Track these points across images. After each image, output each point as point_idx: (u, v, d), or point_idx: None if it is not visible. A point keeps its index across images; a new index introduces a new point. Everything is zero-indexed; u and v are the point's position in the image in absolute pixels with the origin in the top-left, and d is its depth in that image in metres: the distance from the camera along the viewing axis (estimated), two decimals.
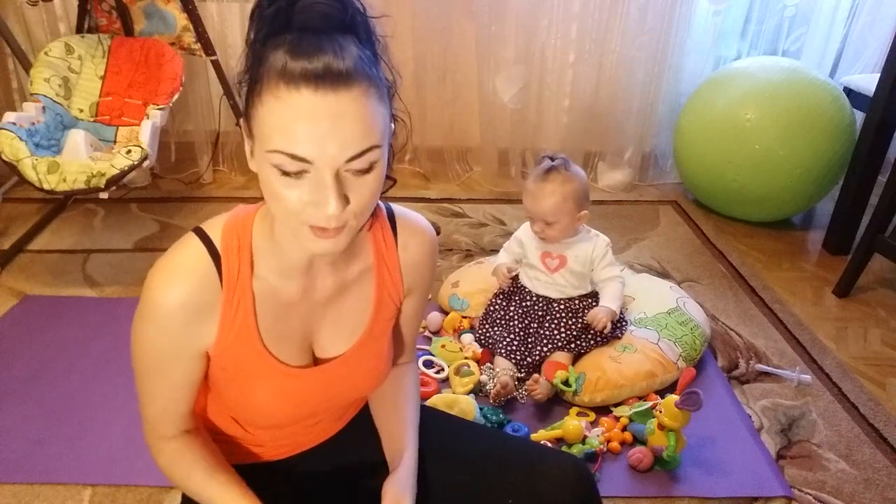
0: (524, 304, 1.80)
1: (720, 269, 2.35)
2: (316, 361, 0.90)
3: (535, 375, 1.65)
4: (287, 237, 0.80)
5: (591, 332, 1.72)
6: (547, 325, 1.75)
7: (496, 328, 1.80)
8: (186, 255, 0.80)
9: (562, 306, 1.77)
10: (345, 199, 0.70)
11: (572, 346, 1.71)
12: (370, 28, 0.74)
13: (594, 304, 1.76)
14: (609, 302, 1.73)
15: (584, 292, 1.79)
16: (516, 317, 1.79)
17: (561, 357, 1.70)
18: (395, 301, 0.94)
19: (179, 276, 0.78)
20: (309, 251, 0.77)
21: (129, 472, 1.43)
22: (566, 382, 1.63)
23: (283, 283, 0.84)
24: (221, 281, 0.80)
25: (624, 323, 1.78)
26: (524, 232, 1.83)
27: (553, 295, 1.79)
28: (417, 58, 2.72)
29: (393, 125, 0.77)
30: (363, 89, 0.67)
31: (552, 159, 1.72)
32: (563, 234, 1.74)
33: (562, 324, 1.74)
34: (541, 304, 1.79)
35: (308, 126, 0.66)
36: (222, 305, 0.80)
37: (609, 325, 1.70)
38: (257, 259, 0.82)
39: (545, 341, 1.72)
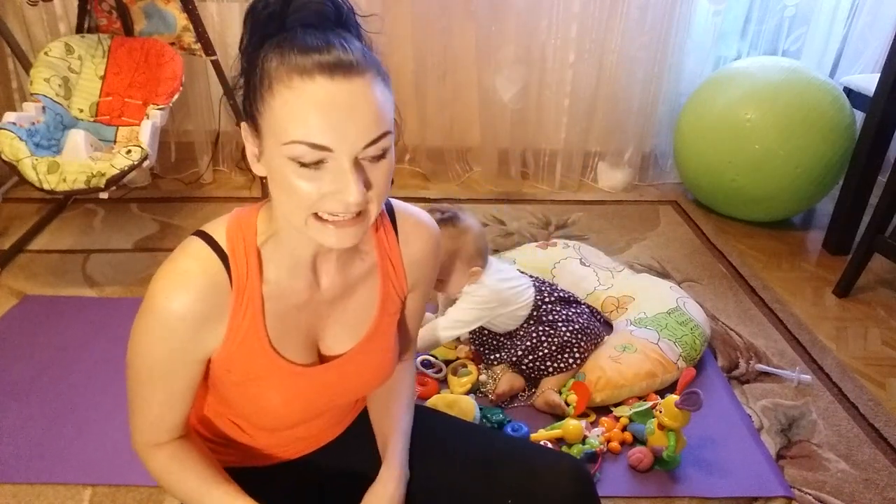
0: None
1: (720, 269, 2.35)
2: (322, 359, 0.90)
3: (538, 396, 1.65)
4: (294, 235, 0.79)
5: (539, 355, 1.67)
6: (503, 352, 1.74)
7: (477, 346, 1.80)
8: (194, 260, 0.77)
9: (502, 337, 1.75)
10: (365, 186, 0.71)
11: (534, 361, 1.68)
12: (359, 26, 0.76)
13: (532, 323, 1.71)
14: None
15: (513, 326, 1.72)
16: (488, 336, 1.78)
17: (549, 384, 1.67)
18: (399, 296, 0.94)
19: (188, 281, 0.76)
20: (324, 245, 0.76)
21: (129, 472, 1.43)
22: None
23: (291, 284, 0.83)
24: (231, 284, 0.78)
25: (575, 352, 1.68)
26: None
27: (494, 331, 1.75)
28: (417, 58, 2.72)
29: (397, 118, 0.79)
30: (373, 76, 0.69)
31: (442, 212, 1.62)
32: (455, 290, 1.67)
33: (514, 356, 1.70)
34: (489, 334, 1.77)
35: (326, 113, 0.67)
36: (231, 309, 0.79)
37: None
38: (265, 260, 0.81)
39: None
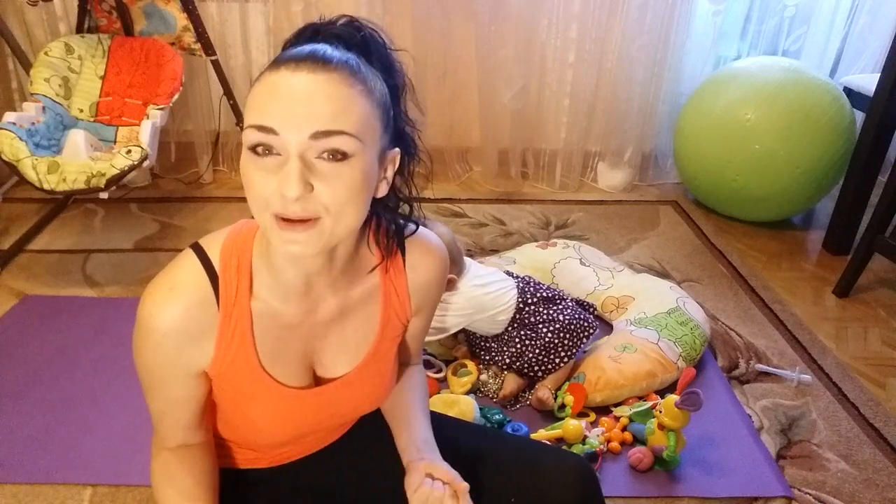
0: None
1: (720, 269, 2.35)
2: (317, 381, 0.88)
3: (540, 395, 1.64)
4: (279, 256, 0.77)
5: (526, 360, 1.66)
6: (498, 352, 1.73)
7: (470, 346, 1.80)
8: (183, 276, 0.77)
9: (490, 340, 1.74)
10: (307, 185, 0.67)
11: (522, 367, 1.67)
12: (389, 63, 0.76)
13: (516, 327, 1.70)
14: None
15: (498, 330, 1.72)
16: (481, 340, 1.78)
17: (548, 383, 1.67)
18: (402, 321, 0.91)
19: (175, 297, 0.76)
20: (281, 252, 0.75)
21: (129, 472, 1.43)
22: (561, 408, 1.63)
23: (283, 302, 0.81)
24: (218, 303, 0.77)
25: (560, 352, 1.66)
26: None
27: (480, 333, 1.76)
28: (417, 58, 2.71)
29: (408, 159, 0.81)
30: (344, 77, 0.68)
31: None
32: None
33: (502, 362, 1.70)
34: (479, 336, 1.77)
35: (277, 96, 0.67)
36: (219, 327, 0.78)
37: None
38: (256, 279, 0.80)
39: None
